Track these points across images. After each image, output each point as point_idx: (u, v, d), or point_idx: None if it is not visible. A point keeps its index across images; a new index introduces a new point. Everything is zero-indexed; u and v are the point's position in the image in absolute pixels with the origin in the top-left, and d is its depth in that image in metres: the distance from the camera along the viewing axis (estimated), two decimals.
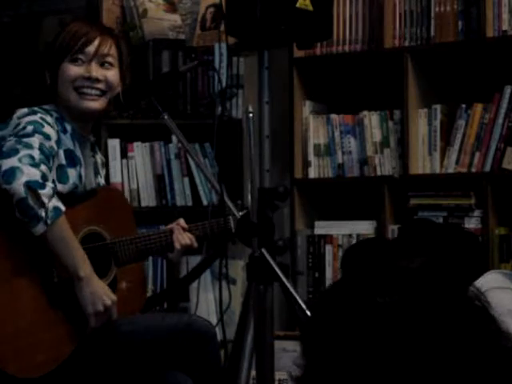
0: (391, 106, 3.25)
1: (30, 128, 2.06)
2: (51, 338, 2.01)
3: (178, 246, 2.24)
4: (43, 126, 2.08)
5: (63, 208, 1.99)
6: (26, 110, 2.11)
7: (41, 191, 1.95)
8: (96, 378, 2.11)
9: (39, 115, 2.10)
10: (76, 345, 2.04)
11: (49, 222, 1.96)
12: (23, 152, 1.99)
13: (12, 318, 1.95)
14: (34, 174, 1.95)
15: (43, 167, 1.99)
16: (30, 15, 3.65)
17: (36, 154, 2.00)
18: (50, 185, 1.98)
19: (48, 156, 2.04)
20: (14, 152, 1.99)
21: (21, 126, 2.07)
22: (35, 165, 1.97)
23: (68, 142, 2.13)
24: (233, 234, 2.20)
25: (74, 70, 2.18)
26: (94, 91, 2.17)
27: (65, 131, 2.14)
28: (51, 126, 2.10)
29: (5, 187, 1.95)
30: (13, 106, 2.16)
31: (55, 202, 1.98)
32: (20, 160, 1.97)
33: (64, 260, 2.00)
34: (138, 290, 2.26)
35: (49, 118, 2.11)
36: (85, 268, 2.02)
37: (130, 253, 2.19)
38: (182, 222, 2.30)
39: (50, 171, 2.03)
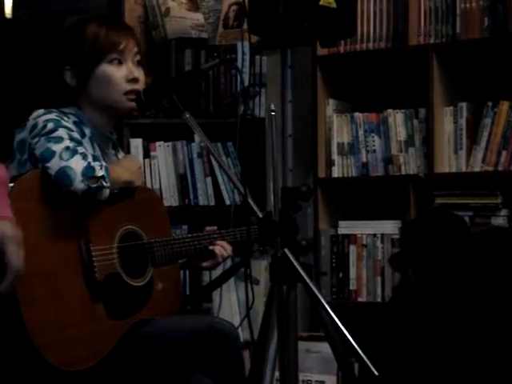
0: (416, 104, 3.22)
1: (50, 124, 2.08)
2: (93, 333, 2.03)
3: (220, 259, 2.30)
4: (61, 122, 2.10)
5: (104, 162, 2.06)
6: (41, 110, 2.13)
7: (96, 173, 2.01)
8: (119, 379, 2.11)
9: (54, 114, 2.12)
10: (116, 341, 2.06)
11: (108, 183, 2.04)
12: (58, 147, 2.02)
13: (56, 310, 1.98)
14: (80, 163, 2.00)
15: (80, 149, 2.04)
16: (50, 14, 3.66)
17: (69, 143, 2.04)
18: (91, 157, 2.03)
19: (79, 141, 2.09)
20: (51, 152, 2.01)
21: (40, 125, 2.08)
22: (74, 152, 2.02)
23: (87, 146, 2.13)
24: (262, 243, 2.22)
25: (117, 71, 2.19)
26: (135, 92, 2.19)
27: (83, 135, 2.14)
28: (68, 124, 2.11)
29: (65, 190, 2.00)
30: (33, 106, 2.16)
31: (101, 163, 2.04)
32: (61, 157, 2.00)
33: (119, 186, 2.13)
34: (174, 292, 2.26)
35: (65, 119, 2.11)
36: (128, 177, 2.16)
37: (166, 254, 2.21)
38: (211, 228, 2.33)
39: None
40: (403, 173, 3.23)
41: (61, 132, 2.06)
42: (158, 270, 2.21)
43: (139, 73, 2.22)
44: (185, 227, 3.37)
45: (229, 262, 2.88)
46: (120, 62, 2.20)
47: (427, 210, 3.08)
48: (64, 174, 1.99)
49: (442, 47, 3.15)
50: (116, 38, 2.20)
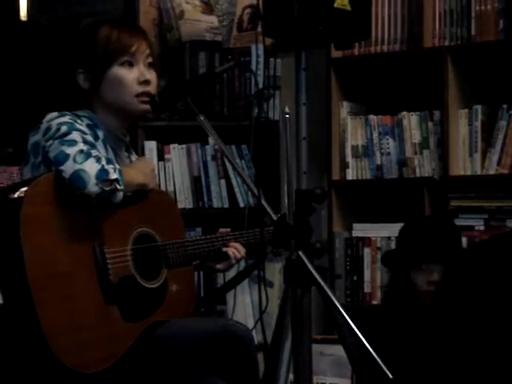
0: (431, 107, 3.21)
1: (64, 128, 2.08)
2: (108, 336, 2.03)
3: (233, 261, 2.30)
4: (75, 125, 2.10)
5: (118, 165, 2.07)
6: (55, 113, 2.13)
7: (109, 176, 2.01)
8: (134, 381, 2.11)
9: (68, 117, 2.13)
10: (131, 343, 2.06)
11: (122, 186, 2.04)
12: (72, 150, 2.02)
13: (71, 313, 1.98)
14: (94, 166, 2.00)
15: (94, 152, 2.04)
16: (67, 18, 3.67)
17: (83, 146, 2.04)
18: (105, 160, 2.03)
19: (92, 144, 2.09)
20: (64, 155, 2.02)
21: (54, 128, 2.08)
22: (88, 155, 2.02)
23: (101, 148, 2.14)
24: (276, 245, 2.22)
25: (129, 74, 2.20)
26: (146, 94, 2.19)
27: (96, 138, 2.15)
28: (82, 126, 2.12)
29: (79, 193, 2.00)
30: (49, 109, 2.17)
31: (115, 166, 2.05)
32: (75, 160, 2.00)
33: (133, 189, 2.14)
34: (188, 294, 2.27)
35: (78, 122, 2.12)
36: (142, 180, 2.17)
37: (180, 256, 2.21)
38: (224, 230, 2.33)
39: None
40: (418, 175, 3.22)
41: (74, 135, 2.07)
42: (172, 272, 2.21)
43: (151, 75, 2.22)
44: (199, 229, 3.37)
45: (242, 264, 2.89)
46: (131, 65, 2.20)
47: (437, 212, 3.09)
48: (78, 177, 1.99)
49: (457, 49, 3.14)
50: (127, 40, 2.20)
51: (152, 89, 2.21)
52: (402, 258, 2.69)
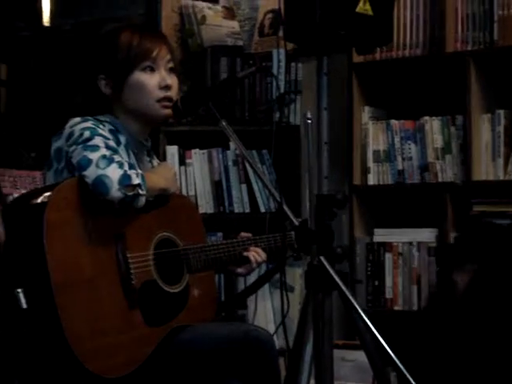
0: (453, 112, 3.19)
1: (87, 133, 2.09)
2: (131, 340, 2.04)
3: (254, 265, 2.30)
4: (98, 130, 2.11)
5: (140, 170, 2.08)
6: (78, 119, 2.14)
7: (132, 181, 2.02)
8: None
9: (90, 122, 2.13)
10: (153, 348, 2.07)
11: (144, 191, 2.05)
12: (94, 156, 2.03)
13: (95, 318, 1.99)
14: (117, 172, 2.01)
15: (117, 157, 2.05)
16: (89, 23, 3.70)
17: (105, 152, 2.05)
18: (127, 166, 2.04)
19: (114, 149, 2.10)
20: (87, 160, 2.03)
21: (77, 134, 2.09)
22: (111, 161, 2.03)
23: (123, 153, 2.14)
24: (296, 250, 2.22)
25: (150, 79, 2.20)
26: (168, 99, 2.19)
27: (118, 143, 2.16)
28: (104, 132, 2.13)
29: (102, 198, 2.01)
30: (72, 114, 2.18)
31: (137, 171, 2.05)
32: (98, 165, 2.01)
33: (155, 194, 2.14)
34: (209, 298, 2.28)
35: (101, 127, 2.13)
36: (164, 184, 2.18)
37: (201, 260, 2.22)
38: (246, 234, 2.32)
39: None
40: (440, 180, 3.20)
41: (97, 140, 2.07)
42: (194, 277, 2.22)
43: (172, 80, 2.23)
44: (220, 234, 3.38)
45: (263, 269, 2.88)
46: (153, 70, 2.21)
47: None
48: (101, 183, 2.00)
49: (480, 54, 3.12)
50: (149, 45, 2.21)
51: (173, 94, 2.22)
52: (447, 256, 2.68)
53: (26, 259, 1.97)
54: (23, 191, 2.96)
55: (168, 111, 2.21)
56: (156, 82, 2.20)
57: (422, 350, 2.58)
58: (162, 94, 2.20)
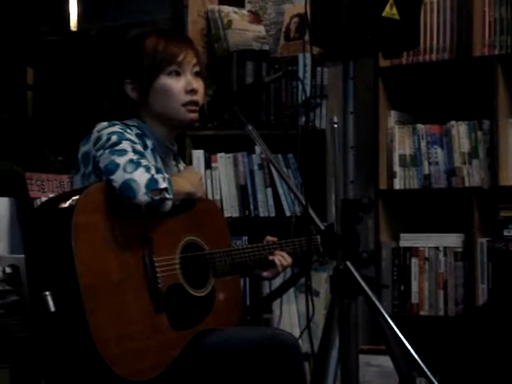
0: (480, 116, 3.18)
1: (114, 137, 2.10)
2: (157, 344, 2.05)
3: (280, 269, 2.29)
4: (125, 134, 2.13)
5: (167, 174, 2.08)
6: (105, 123, 2.15)
7: (159, 185, 2.02)
8: None
9: (118, 126, 2.14)
10: (180, 351, 2.07)
11: (171, 195, 2.05)
12: (122, 160, 2.04)
13: (122, 322, 1.99)
14: (144, 176, 2.01)
15: (144, 162, 2.06)
16: (116, 28, 3.72)
17: (133, 156, 2.06)
18: (154, 170, 2.05)
19: (142, 153, 2.11)
20: (115, 165, 2.03)
21: (104, 138, 2.11)
22: (138, 165, 2.03)
23: (149, 157, 2.15)
24: (321, 254, 2.21)
25: (176, 83, 2.21)
26: (194, 103, 2.20)
27: (145, 147, 2.17)
28: (131, 136, 2.14)
29: (129, 202, 2.02)
30: (100, 118, 2.19)
31: (164, 175, 2.06)
32: (125, 170, 2.02)
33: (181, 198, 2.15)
34: (235, 302, 2.28)
35: (128, 131, 2.14)
36: (190, 188, 2.18)
37: (227, 264, 2.23)
38: (271, 238, 2.33)
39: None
40: (467, 185, 3.18)
41: (124, 145, 2.08)
42: (219, 281, 2.22)
43: (198, 84, 2.23)
44: (245, 238, 3.38)
45: (288, 273, 2.88)
46: (178, 74, 2.22)
47: None
48: (128, 187, 2.01)
49: (507, 58, 3.10)
50: (174, 49, 2.21)
51: (199, 98, 2.23)
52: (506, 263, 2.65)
53: (53, 262, 1.98)
54: (50, 195, 2.98)
55: (194, 115, 2.22)
56: (182, 86, 2.21)
57: (459, 357, 2.56)
58: (187, 98, 2.21)
